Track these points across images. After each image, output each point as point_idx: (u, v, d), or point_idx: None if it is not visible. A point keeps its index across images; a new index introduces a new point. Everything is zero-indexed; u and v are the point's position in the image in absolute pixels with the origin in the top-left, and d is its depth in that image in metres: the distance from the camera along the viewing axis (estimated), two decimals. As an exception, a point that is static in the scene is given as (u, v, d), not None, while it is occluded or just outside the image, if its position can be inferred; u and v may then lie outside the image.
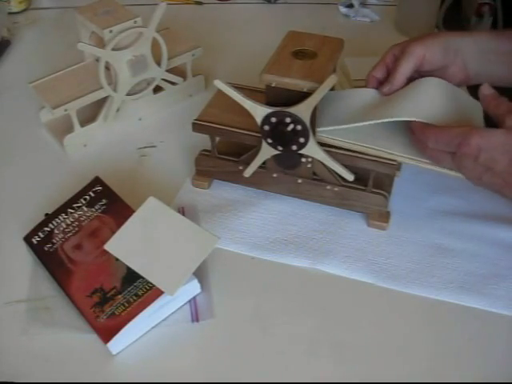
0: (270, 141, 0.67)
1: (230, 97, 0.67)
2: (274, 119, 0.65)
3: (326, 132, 0.66)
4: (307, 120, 0.64)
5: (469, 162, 0.58)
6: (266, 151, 0.69)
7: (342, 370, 0.59)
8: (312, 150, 0.66)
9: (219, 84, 0.66)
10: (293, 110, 0.64)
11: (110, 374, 0.59)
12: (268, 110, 0.65)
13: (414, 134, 0.62)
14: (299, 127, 0.65)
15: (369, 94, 0.69)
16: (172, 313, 0.63)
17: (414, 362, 0.59)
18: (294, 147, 0.67)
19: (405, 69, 0.65)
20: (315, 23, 1.10)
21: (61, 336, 0.61)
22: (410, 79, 0.67)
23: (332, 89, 0.72)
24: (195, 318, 0.63)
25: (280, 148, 0.68)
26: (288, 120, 0.64)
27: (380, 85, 0.69)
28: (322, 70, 0.64)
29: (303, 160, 0.69)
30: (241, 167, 0.73)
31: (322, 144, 0.67)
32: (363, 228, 0.72)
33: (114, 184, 0.72)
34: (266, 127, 0.66)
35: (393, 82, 0.66)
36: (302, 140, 0.66)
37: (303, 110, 0.63)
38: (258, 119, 0.66)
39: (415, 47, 0.65)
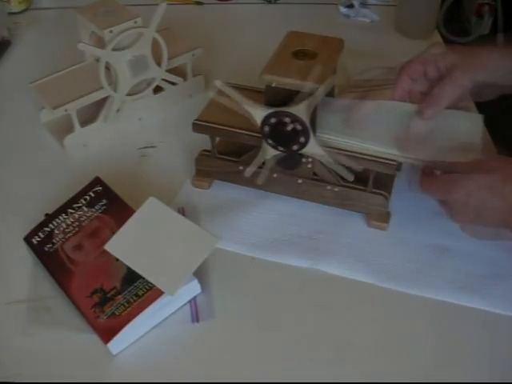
0: (270, 141, 0.67)
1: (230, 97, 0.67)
2: (273, 119, 0.65)
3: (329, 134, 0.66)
4: (307, 120, 0.64)
5: (460, 207, 0.59)
6: (267, 151, 0.69)
7: (342, 370, 0.59)
8: (313, 149, 0.66)
9: (219, 84, 0.66)
10: (293, 109, 0.64)
11: (109, 374, 0.59)
12: (268, 110, 0.65)
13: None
14: (299, 127, 0.65)
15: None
16: (172, 313, 0.63)
17: (414, 362, 0.59)
18: (295, 147, 0.67)
19: (450, 98, 0.65)
20: (315, 23, 1.10)
21: (61, 336, 0.61)
22: None
23: (332, 92, 0.73)
24: (195, 318, 0.63)
25: (281, 148, 0.68)
26: (288, 120, 0.64)
27: (411, 82, 0.68)
28: (322, 69, 0.63)
29: (303, 160, 0.69)
30: (241, 167, 0.73)
31: (322, 144, 0.67)
32: (363, 228, 0.72)
33: (114, 184, 0.72)
34: (266, 128, 0.66)
35: (435, 108, 0.65)
36: (302, 140, 0.66)
37: (303, 110, 0.63)
38: (258, 120, 0.66)
39: (464, 78, 0.64)
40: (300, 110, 0.63)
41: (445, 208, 0.61)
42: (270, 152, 0.69)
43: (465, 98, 0.69)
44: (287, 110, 0.64)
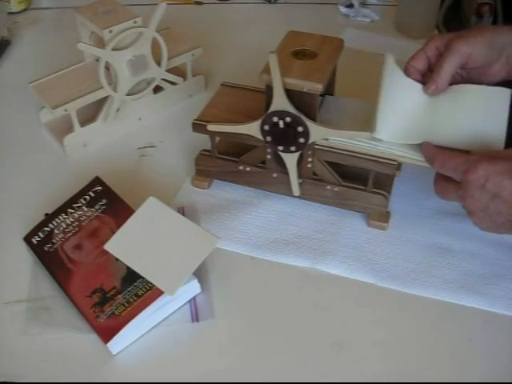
0: (270, 141, 0.67)
1: (230, 97, 0.67)
2: (275, 118, 0.65)
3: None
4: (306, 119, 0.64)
5: (475, 190, 0.56)
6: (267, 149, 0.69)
7: (342, 370, 0.59)
8: (315, 133, 0.66)
9: (211, 128, 0.69)
10: (293, 109, 0.64)
11: (109, 374, 0.59)
12: (259, 120, 0.66)
13: (423, 155, 0.62)
14: (300, 128, 0.65)
15: (414, 96, 0.66)
16: (172, 313, 0.63)
17: (414, 362, 0.59)
18: (294, 147, 0.67)
19: (450, 67, 0.64)
20: (315, 23, 1.10)
21: (61, 336, 0.61)
22: (453, 77, 0.66)
23: (332, 91, 0.73)
24: (195, 318, 0.63)
25: (280, 148, 0.68)
26: (288, 119, 0.64)
27: (421, 76, 0.67)
28: (322, 69, 0.64)
29: (303, 158, 0.69)
30: (241, 167, 0.73)
31: (322, 145, 0.67)
32: (363, 228, 0.72)
33: (114, 184, 0.72)
34: (266, 127, 0.66)
35: (438, 81, 0.64)
36: (302, 140, 0.66)
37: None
38: (257, 133, 0.67)
39: (461, 45, 0.64)
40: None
41: (455, 190, 0.59)
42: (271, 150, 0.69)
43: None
44: (287, 110, 0.64)
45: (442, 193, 0.62)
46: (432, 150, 0.61)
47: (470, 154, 0.59)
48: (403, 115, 0.64)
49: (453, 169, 0.59)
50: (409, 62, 0.67)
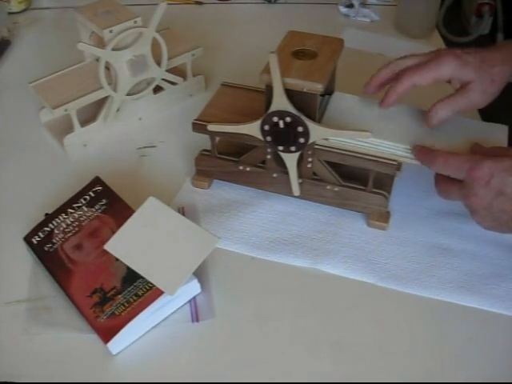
0: (269, 139, 0.67)
1: (230, 97, 0.66)
2: (275, 118, 0.65)
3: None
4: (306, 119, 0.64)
5: (479, 188, 0.56)
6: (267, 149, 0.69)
7: (342, 370, 0.59)
8: (317, 136, 0.66)
9: (211, 128, 0.69)
10: (293, 109, 0.64)
11: (110, 374, 0.59)
12: (259, 120, 0.66)
13: (419, 157, 0.62)
14: (300, 128, 0.65)
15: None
16: (172, 313, 0.63)
17: (414, 362, 0.59)
18: (294, 147, 0.67)
19: (457, 111, 0.64)
20: (315, 23, 1.10)
21: (61, 336, 0.61)
22: None
23: (331, 89, 0.73)
24: (195, 318, 0.63)
25: (281, 148, 0.68)
26: (288, 119, 0.64)
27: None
28: (322, 70, 0.64)
29: (303, 158, 0.69)
30: (241, 167, 0.73)
31: (322, 145, 0.67)
32: (363, 228, 0.72)
33: (114, 184, 0.72)
34: (266, 127, 0.66)
35: (441, 114, 0.63)
36: (302, 140, 0.66)
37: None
38: (257, 133, 0.67)
39: (477, 98, 0.63)
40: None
41: (458, 189, 0.59)
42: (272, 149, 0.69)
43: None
44: (287, 110, 0.64)
45: (445, 193, 0.62)
46: (429, 151, 0.61)
47: (472, 153, 0.59)
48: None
49: (456, 168, 0.59)
50: (409, 76, 0.64)
